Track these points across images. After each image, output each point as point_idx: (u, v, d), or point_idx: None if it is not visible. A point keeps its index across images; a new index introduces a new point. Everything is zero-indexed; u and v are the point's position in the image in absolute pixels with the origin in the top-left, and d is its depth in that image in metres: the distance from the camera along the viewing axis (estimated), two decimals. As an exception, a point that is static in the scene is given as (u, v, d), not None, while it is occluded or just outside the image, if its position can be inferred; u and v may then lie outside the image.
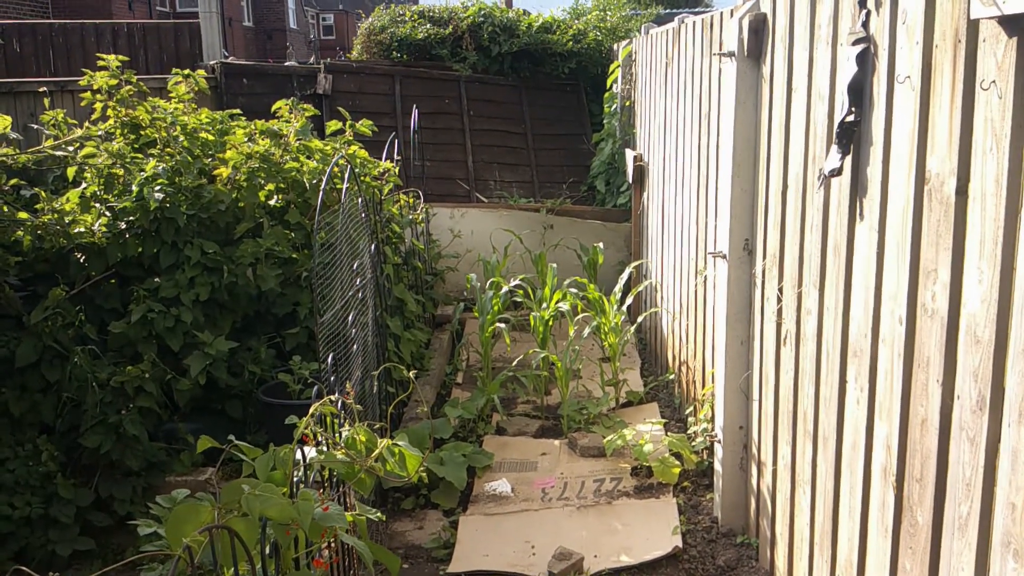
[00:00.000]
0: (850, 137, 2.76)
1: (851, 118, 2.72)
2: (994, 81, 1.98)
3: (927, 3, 2.27)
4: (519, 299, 6.69)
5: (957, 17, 2.13)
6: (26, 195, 5.29)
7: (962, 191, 2.14)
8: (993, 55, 1.99)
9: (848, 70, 2.70)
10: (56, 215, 4.86)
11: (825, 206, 3.04)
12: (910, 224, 2.39)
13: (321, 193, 4.09)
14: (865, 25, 2.65)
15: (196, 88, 5.95)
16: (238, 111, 6.11)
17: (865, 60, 2.66)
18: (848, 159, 2.79)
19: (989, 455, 2.05)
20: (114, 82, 5.54)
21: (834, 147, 2.80)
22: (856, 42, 2.66)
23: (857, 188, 2.77)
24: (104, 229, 4.90)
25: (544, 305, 6.22)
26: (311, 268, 3.88)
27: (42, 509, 4.34)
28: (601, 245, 7.47)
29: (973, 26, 2.06)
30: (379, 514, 2.77)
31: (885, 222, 2.57)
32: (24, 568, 1.96)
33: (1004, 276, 1.97)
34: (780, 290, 3.55)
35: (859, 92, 2.69)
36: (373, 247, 5.04)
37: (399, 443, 2.68)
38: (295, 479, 2.45)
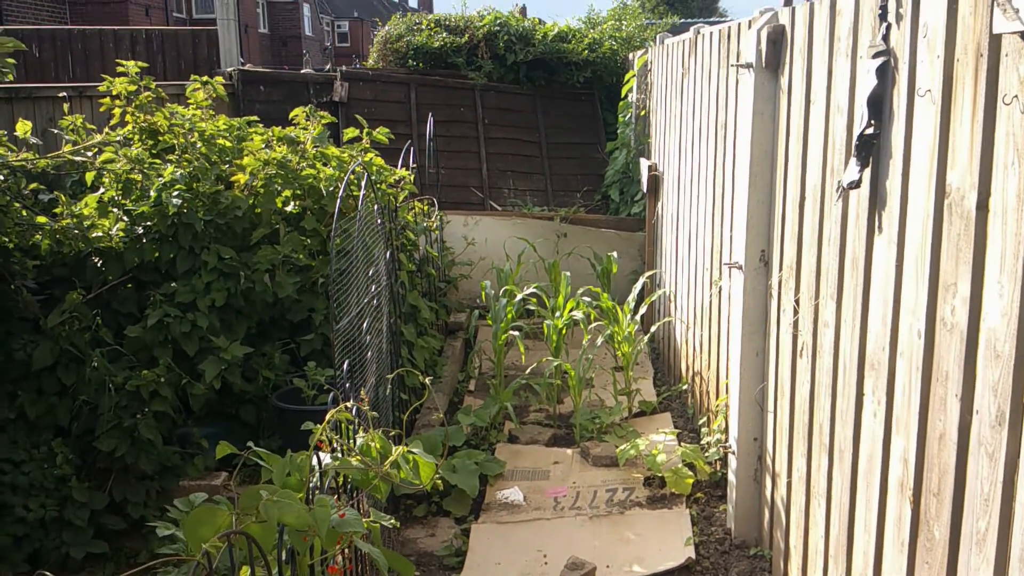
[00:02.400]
0: (869, 150, 2.76)
1: (870, 131, 2.72)
2: (1016, 96, 1.98)
3: (948, 17, 2.27)
4: (532, 307, 6.69)
5: (979, 31, 2.13)
6: (45, 199, 5.34)
7: (982, 205, 2.14)
8: (1015, 70, 1.99)
9: (868, 83, 2.70)
10: (74, 219, 4.90)
11: (843, 218, 3.03)
12: (930, 238, 2.39)
13: (338, 200, 4.11)
14: (885, 38, 2.64)
15: (214, 95, 5.99)
16: (255, 118, 6.14)
17: (885, 73, 2.65)
18: (867, 172, 2.79)
19: (1008, 470, 2.04)
20: (133, 88, 5.57)
21: (853, 159, 2.80)
22: (876, 55, 2.66)
23: (876, 201, 2.76)
24: (122, 234, 4.93)
25: (557, 313, 6.22)
26: (328, 275, 3.89)
27: (56, 512, 4.37)
28: (615, 254, 7.46)
29: (995, 40, 2.06)
30: (394, 521, 2.77)
31: (904, 235, 2.56)
32: (43, 572, 1.98)
33: (1025, 291, 1.97)
34: (796, 302, 3.54)
35: (879, 105, 2.69)
36: (388, 254, 5.05)
37: (413, 450, 2.68)
38: (311, 485, 2.45)
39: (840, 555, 3.12)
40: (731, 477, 4.25)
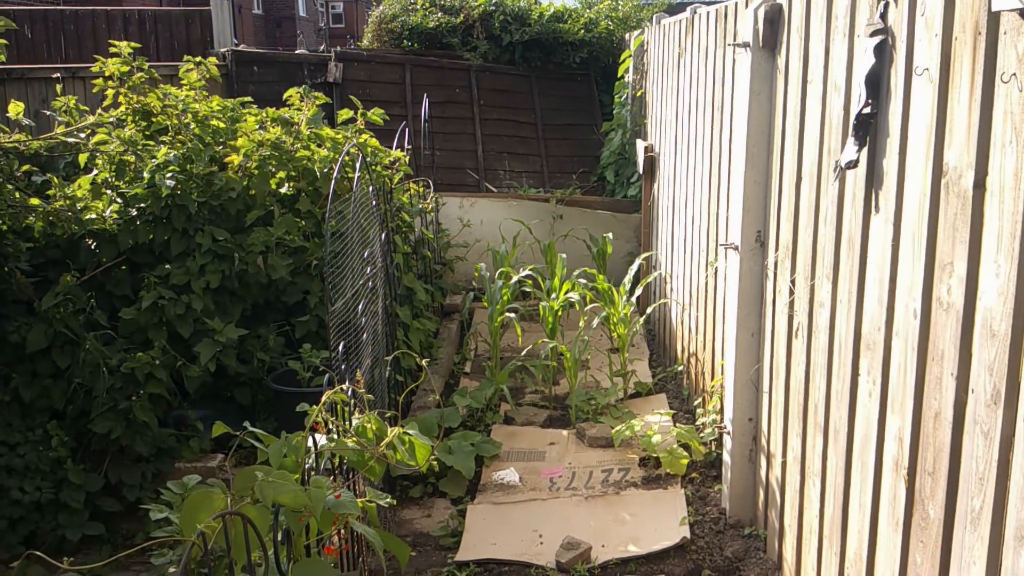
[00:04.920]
0: (866, 129, 2.74)
1: (868, 110, 2.70)
2: (1015, 74, 1.97)
3: (947, -6, 2.25)
4: (528, 289, 6.68)
5: (977, 9, 2.11)
6: (38, 181, 5.30)
7: (980, 184, 2.13)
8: (1014, 48, 1.97)
9: (865, 62, 2.68)
10: (68, 201, 4.88)
11: (840, 198, 3.02)
12: (926, 217, 2.38)
13: (332, 182, 4.09)
14: (883, 16, 2.63)
15: (207, 76, 5.94)
16: (249, 99, 6.10)
17: (883, 52, 2.64)
18: (864, 151, 2.78)
19: (1003, 449, 2.04)
20: (126, 69, 5.53)
21: (850, 139, 2.79)
22: (874, 33, 2.65)
23: (873, 180, 2.75)
24: (115, 216, 4.91)
25: (553, 295, 6.21)
26: (322, 257, 3.88)
27: (52, 494, 4.37)
28: (611, 236, 7.45)
29: (994, 18, 2.05)
30: (389, 499, 2.77)
31: (901, 215, 2.56)
32: (35, 552, 1.97)
33: (1022, 270, 1.96)
34: (792, 282, 3.54)
35: (876, 84, 2.68)
36: (383, 236, 5.03)
37: (409, 432, 2.68)
38: (307, 466, 2.45)
39: (835, 534, 3.13)
40: (726, 457, 4.26)
